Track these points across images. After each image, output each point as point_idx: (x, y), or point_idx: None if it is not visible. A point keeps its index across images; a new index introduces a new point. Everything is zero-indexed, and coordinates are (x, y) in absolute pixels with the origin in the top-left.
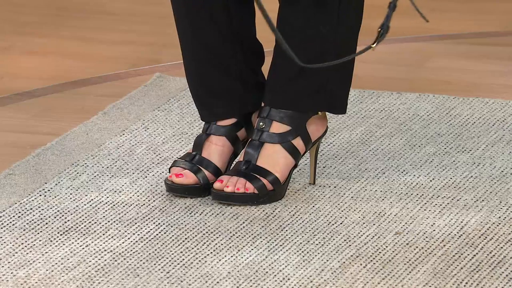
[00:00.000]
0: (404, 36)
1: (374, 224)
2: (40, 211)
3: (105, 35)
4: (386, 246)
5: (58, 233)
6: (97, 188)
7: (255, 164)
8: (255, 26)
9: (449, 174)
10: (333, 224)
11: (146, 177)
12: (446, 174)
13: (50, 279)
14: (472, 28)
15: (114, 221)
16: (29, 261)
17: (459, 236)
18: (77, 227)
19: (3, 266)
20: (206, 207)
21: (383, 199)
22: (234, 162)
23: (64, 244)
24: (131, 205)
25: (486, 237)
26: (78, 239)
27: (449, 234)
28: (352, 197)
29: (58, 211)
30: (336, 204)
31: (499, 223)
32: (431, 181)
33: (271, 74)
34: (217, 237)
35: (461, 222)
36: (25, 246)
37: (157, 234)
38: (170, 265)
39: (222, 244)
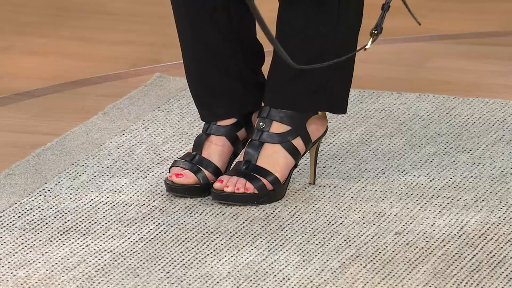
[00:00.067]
0: (404, 36)
1: (374, 224)
2: (40, 211)
3: (105, 35)
4: (386, 246)
5: (58, 233)
6: (97, 188)
7: (255, 164)
8: (255, 26)
9: (449, 174)
10: (333, 224)
11: (146, 177)
12: (446, 174)
13: (50, 279)
14: (472, 28)
15: (114, 221)
16: (29, 261)
17: (459, 236)
18: (77, 227)
19: (3, 266)
20: (206, 207)
21: (383, 199)
22: (234, 162)
23: (64, 244)
24: (131, 205)
25: (486, 237)
26: (78, 239)
27: (449, 234)
28: (352, 197)
29: (58, 211)
30: (336, 204)
31: (499, 223)
32: (431, 181)
33: (271, 74)
34: (217, 237)
35: (461, 222)
36: (25, 246)
37: (157, 234)
38: (170, 265)
39: (222, 244)
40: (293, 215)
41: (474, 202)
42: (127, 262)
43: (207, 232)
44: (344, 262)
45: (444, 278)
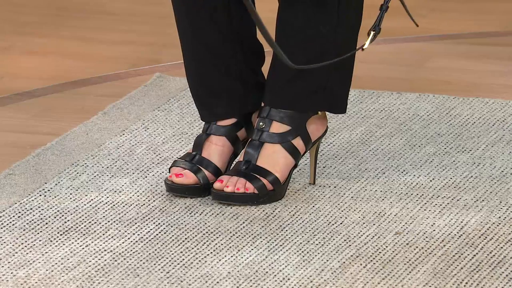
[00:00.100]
0: (404, 36)
1: (374, 224)
2: (40, 211)
3: (105, 35)
4: (386, 246)
5: (58, 233)
6: (97, 188)
7: (255, 164)
8: (256, 26)
9: (449, 174)
10: (333, 224)
11: (146, 177)
12: (446, 174)
13: (50, 279)
14: (472, 28)
15: (114, 221)
16: (29, 261)
17: (459, 236)
18: (77, 227)
19: (3, 266)
20: (206, 207)
21: (383, 199)
22: (234, 162)
23: (64, 244)
24: (131, 205)
25: (486, 237)
26: (78, 239)
27: (449, 234)
28: (352, 197)
29: (58, 211)
30: (336, 204)
31: (499, 223)
32: (431, 181)
33: (271, 74)
34: (217, 237)
35: (461, 222)
36: (25, 246)
37: (157, 234)
38: (170, 265)
39: (222, 244)
40: (293, 215)
41: (474, 202)
42: (127, 262)
43: (207, 232)
44: (344, 262)
45: (444, 278)
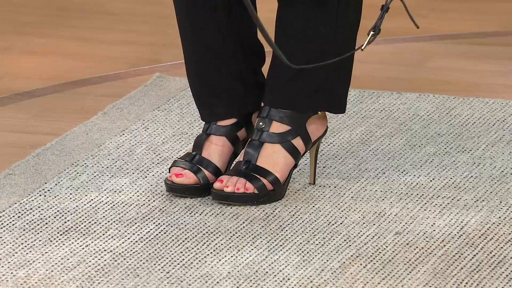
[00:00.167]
0: (404, 36)
1: (374, 224)
2: (40, 211)
3: (105, 35)
4: (386, 246)
5: (58, 233)
6: (97, 188)
7: (255, 164)
8: (256, 26)
9: (449, 174)
10: (333, 224)
11: (146, 177)
12: (446, 174)
13: (50, 279)
14: (472, 28)
15: (114, 221)
16: (29, 261)
17: (459, 236)
18: (77, 227)
19: (3, 266)
20: (206, 207)
21: (383, 199)
22: (234, 162)
23: (64, 244)
24: (131, 205)
25: (486, 237)
26: (78, 239)
27: (449, 234)
28: (352, 197)
29: (58, 211)
30: (336, 204)
31: (499, 223)
32: (431, 181)
33: (271, 74)
34: (217, 237)
35: (461, 222)
36: (25, 246)
37: (157, 234)
38: (170, 265)
39: (222, 244)
40: (293, 215)
41: (474, 202)
42: (127, 262)
43: (207, 232)
44: (344, 262)
45: (444, 278)
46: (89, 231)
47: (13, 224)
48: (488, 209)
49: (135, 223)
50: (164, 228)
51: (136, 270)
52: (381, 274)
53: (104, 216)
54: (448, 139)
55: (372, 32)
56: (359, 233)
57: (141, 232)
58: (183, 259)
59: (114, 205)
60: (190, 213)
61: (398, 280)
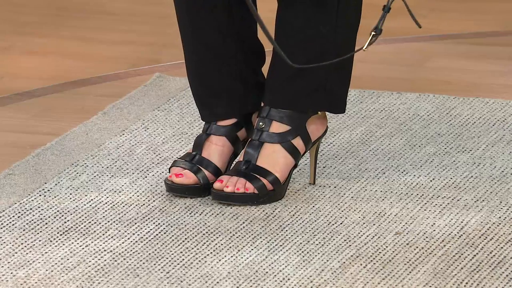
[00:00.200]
0: (404, 36)
1: (374, 224)
2: (40, 211)
3: (105, 35)
4: (386, 246)
5: (58, 233)
6: (97, 188)
7: (255, 164)
8: (256, 26)
9: (449, 174)
10: (333, 224)
11: (146, 177)
12: (446, 174)
13: (50, 279)
14: (472, 28)
15: (114, 221)
16: (29, 261)
17: (459, 236)
18: (77, 227)
19: (3, 266)
20: (206, 207)
21: (383, 199)
22: (234, 162)
23: (64, 244)
24: (131, 205)
25: (486, 237)
26: (78, 239)
27: (449, 234)
28: (352, 197)
29: (58, 211)
30: (336, 204)
31: (499, 223)
32: (431, 181)
33: (270, 73)
34: (217, 237)
35: (461, 222)
36: (25, 246)
37: (157, 234)
38: (170, 265)
39: (222, 244)
40: (293, 215)
41: (474, 202)
42: (127, 262)
43: (207, 232)
44: (344, 262)
45: (444, 278)
46: (89, 231)
47: (13, 224)
48: (488, 209)
49: (135, 223)
50: (164, 228)
51: (136, 270)
52: (381, 274)
53: (104, 216)
54: (448, 139)
55: (373, 33)
56: (359, 233)
57: (141, 232)
58: (183, 259)
59: (114, 205)
60: (190, 213)
61: (398, 280)
